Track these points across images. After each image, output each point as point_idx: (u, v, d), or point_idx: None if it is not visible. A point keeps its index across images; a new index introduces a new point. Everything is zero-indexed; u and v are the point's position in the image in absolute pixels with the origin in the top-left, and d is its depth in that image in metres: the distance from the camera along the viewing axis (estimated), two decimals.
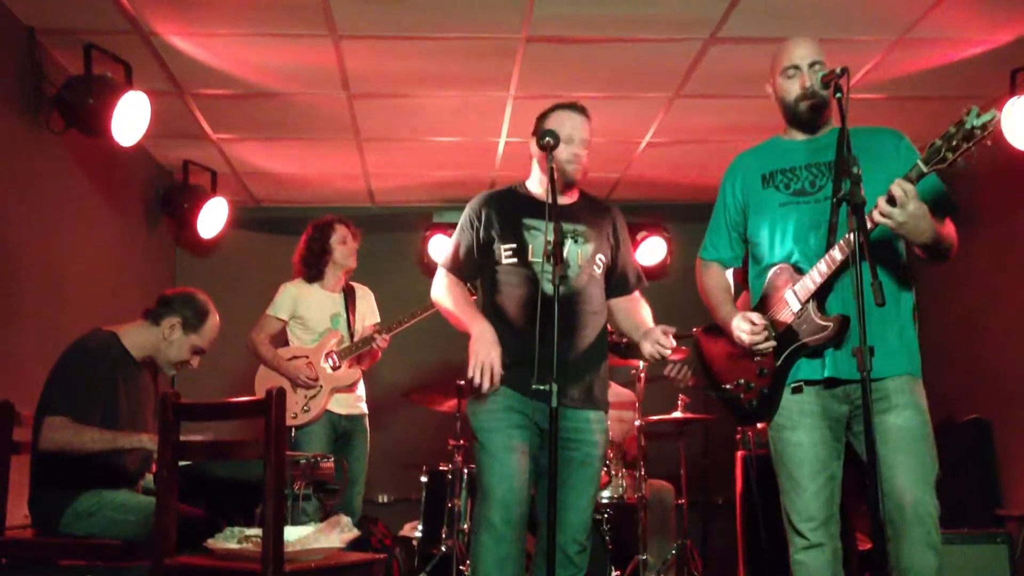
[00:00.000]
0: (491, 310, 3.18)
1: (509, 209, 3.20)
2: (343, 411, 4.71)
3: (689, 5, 3.99)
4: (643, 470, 4.76)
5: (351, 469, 4.61)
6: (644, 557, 4.63)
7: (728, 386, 2.97)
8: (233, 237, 6.36)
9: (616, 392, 5.02)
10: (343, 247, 4.79)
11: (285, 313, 4.76)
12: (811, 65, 2.80)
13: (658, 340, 3.03)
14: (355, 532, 2.86)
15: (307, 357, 4.70)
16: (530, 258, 3.11)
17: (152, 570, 2.76)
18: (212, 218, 5.93)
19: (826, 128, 2.88)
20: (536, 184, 3.26)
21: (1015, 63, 4.47)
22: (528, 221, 3.15)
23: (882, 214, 2.50)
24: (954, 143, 2.42)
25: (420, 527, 4.94)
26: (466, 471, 4.71)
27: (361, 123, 5.28)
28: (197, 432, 3.36)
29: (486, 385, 2.97)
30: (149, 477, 3.46)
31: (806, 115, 2.84)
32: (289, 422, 4.54)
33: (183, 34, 4.21)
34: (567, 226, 3.11)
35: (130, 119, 4.32)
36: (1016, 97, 4.45)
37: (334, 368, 4.70)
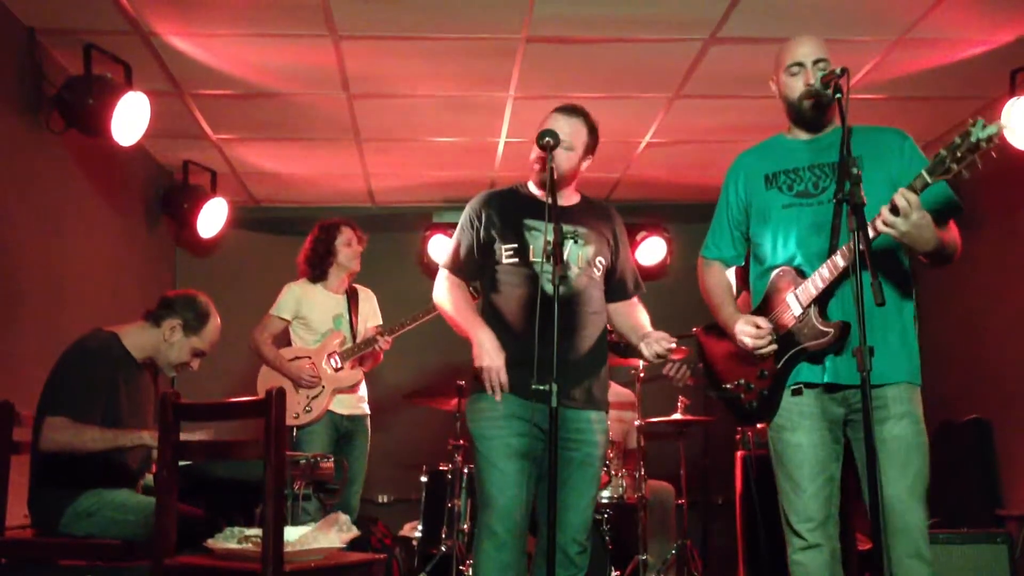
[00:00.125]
0: (491, 310, 3.18)
1: (510, 209, 3.20)
2: (345, 411, 4.73)
3: (689, 5, 3.99)
4: (643, 470, 4.76)
5: (350, 468, 4.62)
6: (644, 557, 4.63)
7: (728, 386, 2.98)
8: (233, 237, 6.36)
9: (616, 392, 5.02)
10: (348, 249, 4.81)
11: (288, 313, 4.78)
12: (815, 63, 2.80)
13: (659, 340, 3.04)
14: (354, 531, 2.87)
15: (309, 358, 4.71)
16: (531, 258, 3.11)
17: (152, 570, 2.76)
18: (212, 218, 5.93)
19: (830, 127, 2.87)
20: (535, 185, 3.26)
21: (1015, 63, 4.47)
22: (529, 221, 3.15)
23: (885, 223, 2.50)
24: (959, 154, 2.41)
25: (420, 527, 4.95)
26: (466, 471, 4.71)
27: (361, 123, 5.28)
28: (197, 432, 3.36)
29: (498, 395, 2.99)
30: (149, 477, 3.46)
31: (809, 113, 2.83)
32: (290, 422, 4.55)
33: (183, 34, 4.21)
34: (568, 227, 3.11)
35: (130, 119, 4.32)
36: (1016, 97, 4.45)
37: (336, 369, 4.71)
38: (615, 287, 3.30)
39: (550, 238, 2.81)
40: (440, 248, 6.06)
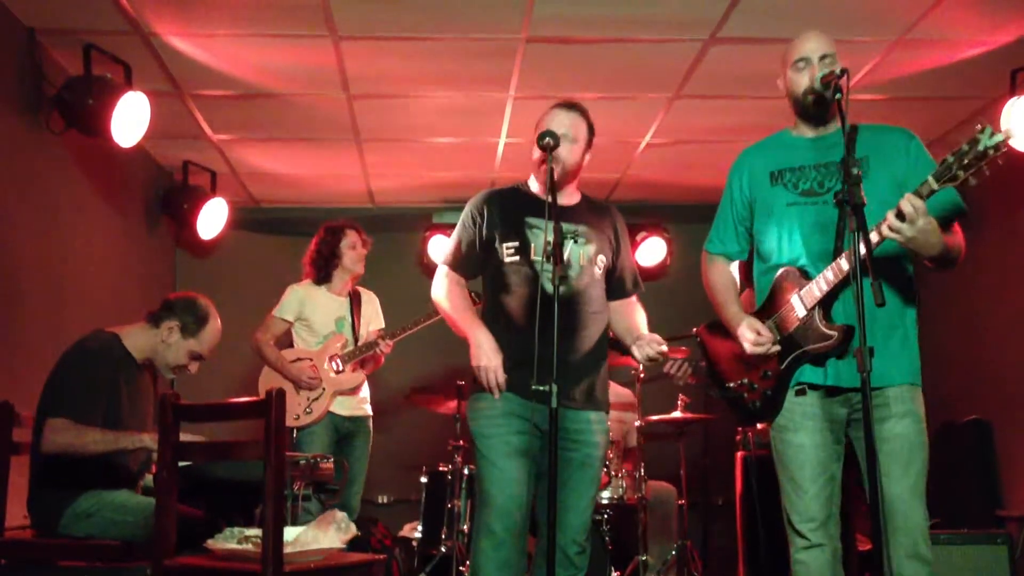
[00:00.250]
0: (492, 308, 3.18)
1: (511, 207, 3.20)
2: (346, 413, 4.74)
3: (689, 5, 3.99)
4: (643, 470, 4.76)
5: (351, 469, 4.63)
6: (644, 558, 4.63)
7: (731, 385, 2.98)
8: (233, 237, 6.36)
9: (616, 392, 5.02)
10: (352, 252, 4.83)
11: (291, 314, 4.79)
12: (822, 58, 2.79)
13: (651, 343, 3.06)
14: (353, 529, 2.86)
15: (311, 359, 4.72)
16: (532, 256, 3.11)
17: (152, 571, 2.76)
18: (212, 219, 5.93)
19: (835, 124, 2.87)
20: (537, 183, 3.25)
21: (1015, 63, 4.47)
22: (530, 219, 3.14)
23: (891, 228, 2.50)
24: (965, 161, 2.41)
25: (420, 528, 4.95)
26: (466, 472, 4.71)
27: (361, 123, 5.28)
28: (196, 433, 3.36)
29: (496, 394, 3.00)
30: (149, 478, 3.45)
31: (812, 109, 2.82)
32: (290, 423, 4.56)
33: (183, 34, 4.21)
34: (568, 227, 3.11)
35: (130, 119, 4.32)
36: (1016, 97, 4.45)
37: (337, 371, 4.72)
38: (614, 286, 3.30)
39: (550, 238, 2.81)
40: (440, 248, 6.06)
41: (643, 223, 6.50)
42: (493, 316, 3.15)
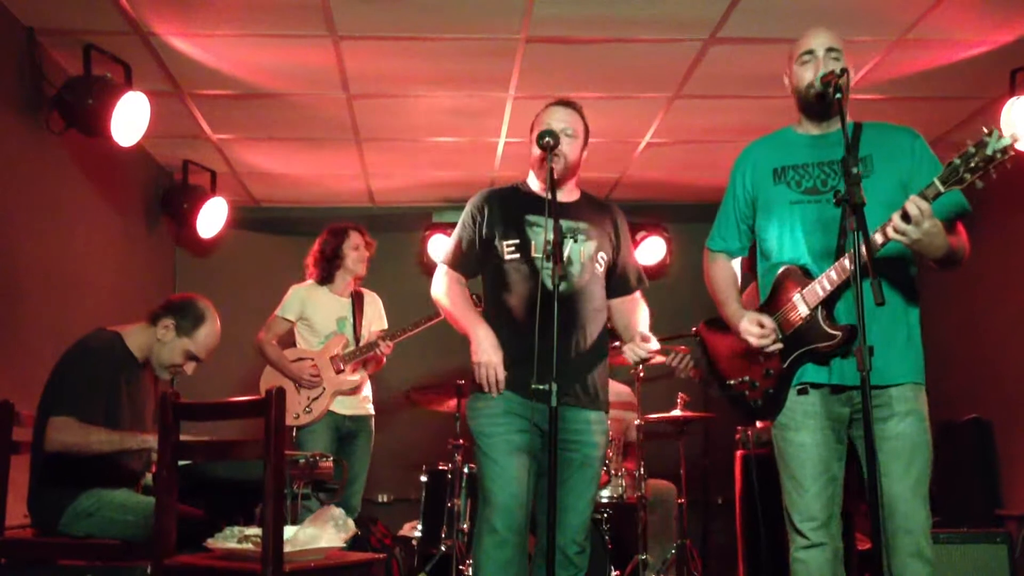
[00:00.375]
0: (493, 307, 3.18)
1: (511, 205, 3.20)
2: (348, 412, 4.76)
3: (689, 5, 3.99)
4: (643, 469, 4.76)
5: (352, 467, 4.65)
6: (644, 557, 4.63)
7: (732, 382, 2.97)
8: (233, 237, 6.36)
9: (616, 390, 5.02)
10: (355, 253, 4.86)
11: (293, 314, 4.81)
12: (828, 51, 2.79)
13: (641, 345, 3.07)
14: (351, 526, 2.87)
15: (311, 359, 4.74)
16: (532, 254, 3.10)
17: (152, 570, 2.76)
18: (212, 218, 5.93)
19: (838, 121, 2.86)
20: (536, 182, 3.26)
21: (1015, 63, 4.47)
22: (530, 217, 3.14)
23: (896, 230, 2.50)
24: (972, 164, 2.41)
25: (420, 527, 4.95)
26: (466, 471, 4.71)
27: (361, 123, 5.28)
28: (197, 433, 3.36)
29: (494, 391, 3.00)
30: (149, 477, 3.45)
31: (815, 104, 2.80)
32: (290, 422, 4.57)
33: (183, 34, 4.21)
34: (569, 224, 3.11)
35: (130, 119, 4.32)
36: (1016, 97, 4.45)
37: (337, 371, 4.73)
38: (617, 283, 3.30)
39: (550, 237, 2.81)
40: (440, 248, 6.06)
41: (643, 223, 6.49)
42: (493, 314, 3.15)
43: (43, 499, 3.26)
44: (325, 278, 4.86)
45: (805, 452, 2.76)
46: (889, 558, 2.61)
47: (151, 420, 3.46)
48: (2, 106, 3.98)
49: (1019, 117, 4.38)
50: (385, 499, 6.28)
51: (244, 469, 3.11)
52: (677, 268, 6.51)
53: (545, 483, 2.84)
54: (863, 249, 2.40)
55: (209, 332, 3.51)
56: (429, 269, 6.23)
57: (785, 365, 2.82)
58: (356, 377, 4.77)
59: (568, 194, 3.24)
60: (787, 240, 2.84)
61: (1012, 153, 2.38)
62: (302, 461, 3.21)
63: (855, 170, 2.44)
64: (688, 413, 4.94)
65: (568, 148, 3.12)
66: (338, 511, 2.87)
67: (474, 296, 3.37)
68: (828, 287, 2.69)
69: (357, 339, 4.83)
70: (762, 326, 2.81)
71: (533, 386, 2.76)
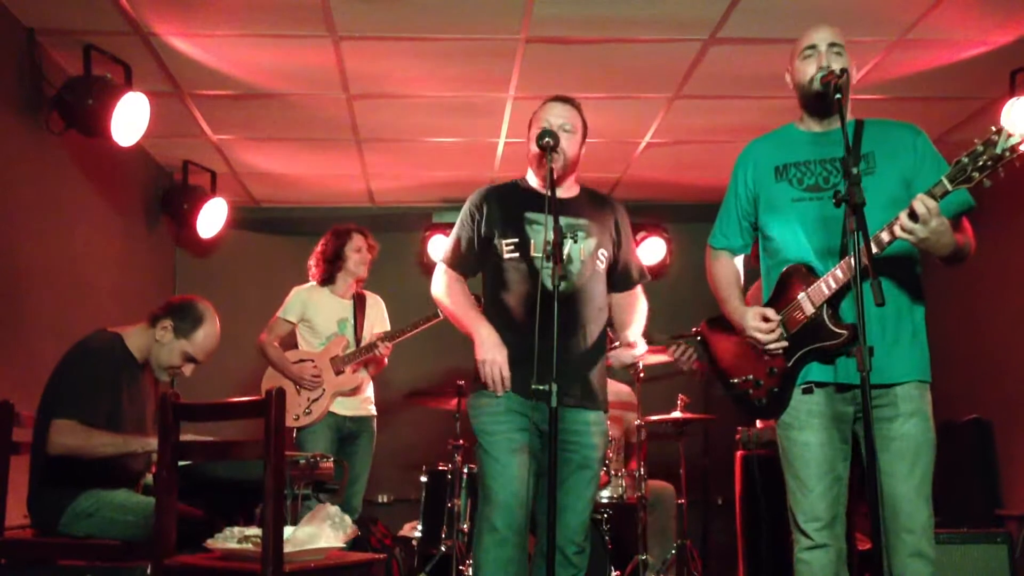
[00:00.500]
0: (492, 306, 3.17)
1: (510, 203, 3.19)
2: (349, 413, 4.77)
3: (689, 5, 3.99)
4: (643, 470, 4.76)
5: (354, 467, 4.65)
6: (644, 557, 4.63)
7: (735, 381, 2.96)
8: (233, 237, 6.36)
9: (616, 390, 5.02)
10: (357, 255, 4.87)
11: (294, 316, 4.83)
12: (830, 46, 2.79)
13: (624, 354, 3.09)
14: (349, 523, 2.86)
15: (312, 360, 4.74)
16: (532, 253, 3.09)
17: (152, 570, 2.76)
18: (212, 218, 5.93)
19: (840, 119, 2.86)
20: (535, 179, 3.25)
21: (1015, 63, 4.48)
22: (530, 215, 3.13)
23: (904, 229, 2.50)
24: (980, 163, 2.41)
25: (420, 527, 4.95)
26: (466, 471, 4.71)
27: (361, 123, 5.28)
28: (198, 433, 3.36)
29: (500, 389, 2.99)
30: (149, 477, 3.45)
31: (817, 98, 2.78)
32: (290, 423, 4.58)
33: (183, 35, 4.21)
34: (569, 221, 3.09)
35: (130, 120, 4.32)
36: (1016, 97, 4.45)
37: (337, 372, 4.73)
38: (618, 278, 3.29)
39: (550, 237, 2.79)
40: (440, 247, 6.06)
41: (643, 223, 6.49)
42: (493, 313, 3.15)
43: (43, 499, 3.26)
44: (327, 279, 4.86)
45: (810, 452, 2.75)
46: (891, 558, 2.61)
47: (151, 421, 3.46)
48: (2, 106, 3.98)
49: (1019, 117, 4.38)
50: (385, 499, 6.28)
51: (244, 469, 3.11)
52: (677, 268, 6.51)
53: (544, 483, 2.84)
54: (863, 249, 2.40)
55: (208, 335, 3.50)
56: (429, 269, 6.21)
57: (790, 364, 2.80)
58: (356, 378, 4.77)
59: (568, 190, 3.22)
60: (790, 238, 2.83)
61: (1022, 151, 2.38)
62: (303, 462, 3.21)
63: (855, 170, 2.44)
64: (688, 415, 4.93)
65: (567, 144, 3.11)
66: (334, 509, 2.87)
67: (473, 296, 3.37)
68: (834, 285, 2.69)
69: (358, 341, 4.83)
70: (767, 320, 2.80)
71: (533, 386, 2.76)
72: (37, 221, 4.29)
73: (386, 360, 4.87)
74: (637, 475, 4.74)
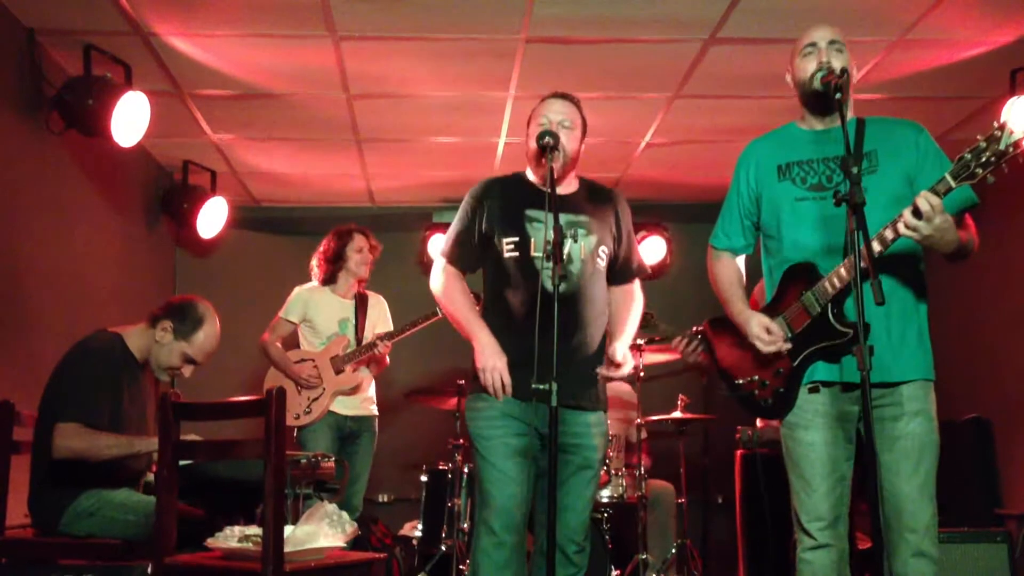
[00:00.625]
0: (492, 305, 3.16)
1: (511, 199, 3.16)
2: (350, 412, 4.77)
3: (689, 5, 4.00)
4: (643, 469, 4.76)
5: (354, 467, 4.65)
6: (644, 556, 4.63)
7: (740, 382, 2.95)
8: (233, 237, 6.36)
9: (616, 390, 5.02)
10: (358, 256, 4.87)
11: (295, 316, 4.84)
12: (830, 43, 2.78)
13: (610, 365, 3.08)
14: (348, 521, 2.87)
15: (312, 360, 4.75)
16: (532, 252, 3.07)
17: (152, 569, 2.76)
18: (212, 218, 5.93)
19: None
20: (535, 176, 3.23)
21: (1015, 63, 4.48)
22: (531, 212, 3.10)
23: (907, 226, 2.49)
24: (983, 159, 2.41)
25: (420, 526, 4.95)
26: (466, 470, 4.72)
27: (361, 123, 5.29)
28: (199, 433, 3.36)
29: (500, 396, 2.98)
30: (150, 476, 3.45)
31: (817, 96, 2.77)
32: (291, 422, 4.58)
33: (183, 35, 4.21)
34: (569, 218, 3.07)
35: (130, 119, 4.33)
36: (1016, 97, 4.45)
37: (337, 372, 4.74)
38: (617, 272, 3.27)
39: (550, 237, 2.78)
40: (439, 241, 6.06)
41: (643, 223, 6.48)
42: (493, 313, 3.13)
43: (44, 499, 3.26)
44: (328, 279, 4.87)
45: (815, 451, 2.75)
46: (893, 557, 2.61)
47: (152, 421, 3.46)
48: (2, 106, 3.98)
49: (1019, 116, 4.38)
50: (385, 499, 6.28)
51: (244, 469, 3.11)
52: (677, 268, 6.50)
53: (545, 483, 2.84)
54: (863, 249, 2.40)
55: (207, 336, 3.49)
56: (429, 269, 6.19)
57: (795, 364, 2.79)
58: (356, 377, 4.78)
59: (567, 186, 3.19)
60: (793, 237, 2.82)
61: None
62: (304, 461, 3.21)
63: (855, 170, 2.43)
64: (688, 415, 4.94)
65: (567, 140, 3.09)
66: (331, 507, 2.87)
67: (473, 294, 3.36)
68: (838, 284, 2.68)
69: (359, 341, 4.84)
70: (769, 332, 2.80)
71: (533, 386, 2.75)
72: (37, 221, 4.29)
73: (387, 359, 4.88)
74: (637, 475, 4.74)
